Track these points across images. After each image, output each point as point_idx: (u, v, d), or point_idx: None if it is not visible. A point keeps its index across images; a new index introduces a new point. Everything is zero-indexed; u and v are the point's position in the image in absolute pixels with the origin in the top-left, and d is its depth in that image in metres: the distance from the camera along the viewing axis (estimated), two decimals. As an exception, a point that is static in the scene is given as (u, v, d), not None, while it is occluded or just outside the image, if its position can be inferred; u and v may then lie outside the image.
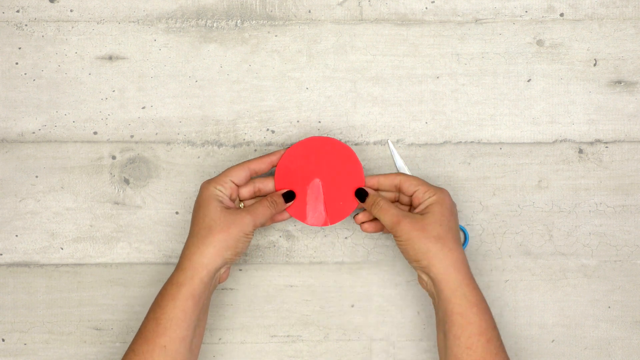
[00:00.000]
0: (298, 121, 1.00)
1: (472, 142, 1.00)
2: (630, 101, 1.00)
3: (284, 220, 0.96)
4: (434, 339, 0.99)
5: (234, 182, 0.92)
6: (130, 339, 0.99)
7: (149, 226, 0.99)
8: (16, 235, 0.99)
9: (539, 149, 1.00)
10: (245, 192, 0.94)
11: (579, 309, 0.99)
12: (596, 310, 0.99)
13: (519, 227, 1.00)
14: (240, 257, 0.91)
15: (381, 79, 1.00)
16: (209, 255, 0.87)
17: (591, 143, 1.00)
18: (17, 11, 1.00)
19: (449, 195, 0.92)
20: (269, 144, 1.00)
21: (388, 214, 0.90)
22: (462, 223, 1.00)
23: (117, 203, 0.99)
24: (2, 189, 0.99)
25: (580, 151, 1.00)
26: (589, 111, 1.00)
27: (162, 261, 0.99)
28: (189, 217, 0.99)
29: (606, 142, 1.00)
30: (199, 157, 1.00)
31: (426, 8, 1.00)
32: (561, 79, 1.00)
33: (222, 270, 0.90)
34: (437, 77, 1.00)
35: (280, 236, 0.99)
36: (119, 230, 0.99)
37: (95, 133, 1.00)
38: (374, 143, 1.00)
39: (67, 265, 0.99)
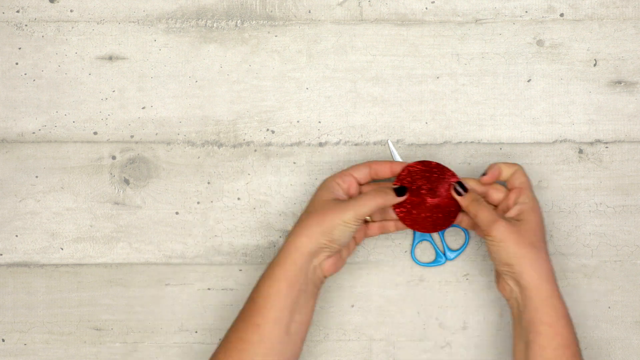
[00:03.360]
0: (298, 121, 1.00)
1: (472, 142, 1.00)
2: (630, 101, 1.00)
3: (374, 235, 0.95)
4: (434, 339, 0.99)
5: (354, 177, 0.91)
6: (130, 339, 0.99)
7: (149, 226, 0.99)
8: (16, 235, 0.99)
9: (539, 149, 1.00)
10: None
11: (579, 309, 0.99)
12: (596, 310, 0.99)
13: (519, 227, 1.00)
14: (341, 246, 0.88)
15: (381, 79, 1.00)
16: (303, 238, 0.86)
17: (591, 143, 1.00)
18: (17, 11, 1.00)
19: (540, 206, 0.91)
20: (269, 144, 1.00)
21: (486, 211, 0.88)
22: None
23: (117, 203, 0.99)
24: (2, 189, 0.99)
25: (580, 151, 1.00)
26: (589, 111, 1.00)
27: (162, 261, 0.99)
28: (189, 217, 0.99)
29: (606, 142, 1.00)
30: (199, 157, 1.00)
31: (426, 8, 1.00)
32: (561, 79, 1.00)
33: (322, 258, 0.88)
34: (437, 77, 1.00)
35: (280, 236, 0.99)
36: (119, 231, 0.99)
37: (95, 133, 1.00)
38: (374, 143, 1.00)
39: (67, 265, 0.99)
